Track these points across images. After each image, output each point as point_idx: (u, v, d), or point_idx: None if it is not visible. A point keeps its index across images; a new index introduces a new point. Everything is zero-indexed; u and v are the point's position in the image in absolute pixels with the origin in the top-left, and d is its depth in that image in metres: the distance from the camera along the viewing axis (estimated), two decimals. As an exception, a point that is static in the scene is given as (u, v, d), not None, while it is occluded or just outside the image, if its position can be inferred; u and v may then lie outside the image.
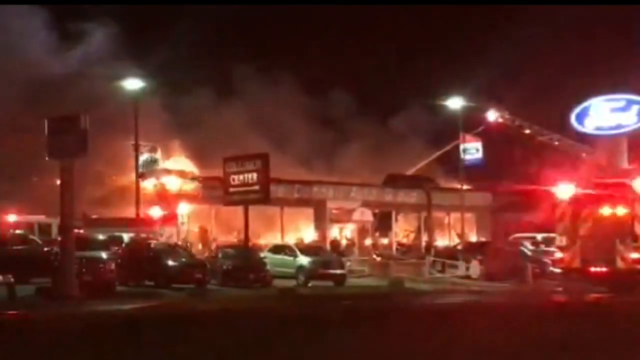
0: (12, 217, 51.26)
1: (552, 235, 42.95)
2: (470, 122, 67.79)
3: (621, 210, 36.36)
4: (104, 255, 37.65)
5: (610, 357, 15.36)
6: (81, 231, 42.65)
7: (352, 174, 71.13)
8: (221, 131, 64.46)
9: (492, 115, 70.02)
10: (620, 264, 35.55)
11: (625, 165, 55.19)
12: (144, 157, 56.30)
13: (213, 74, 69.08)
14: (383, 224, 70.62)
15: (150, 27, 66.21)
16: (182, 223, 58.42)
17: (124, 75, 52.96)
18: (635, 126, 58.65)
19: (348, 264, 49.74)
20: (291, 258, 45.83)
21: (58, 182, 36.65)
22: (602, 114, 58.66)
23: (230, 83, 70.23)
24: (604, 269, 35.74)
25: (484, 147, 69.18)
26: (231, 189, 45.80)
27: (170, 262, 40.29)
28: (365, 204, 67.62)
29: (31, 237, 42.27)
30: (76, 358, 15.31)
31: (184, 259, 41.91)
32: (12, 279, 33.05)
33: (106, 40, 63.96)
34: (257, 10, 76.48)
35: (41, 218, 49.93)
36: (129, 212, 51.76)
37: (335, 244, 63.00)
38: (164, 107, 62.34)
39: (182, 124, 65.36)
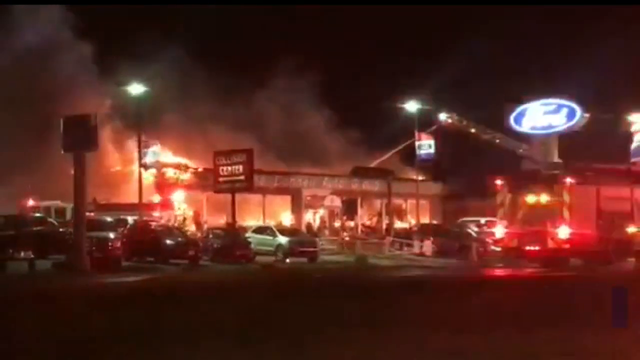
0: (31, 202, 51.26)
1: (493, 219, 43.19)
2: (425, 122, 68.14)
3: (552, 198, 36.64)
4: (111, 235, 37.45)
5: (535, 314, 15.68)
6: (92, 214, 42.49)
7: (323, 166, 71.23)
8: (213, 129, 64.25)
9: (443, 117, 70.40)
10: (550, 243, 35.84)
11: (555, 159, 55.93)
12: (146, 150, 56.12)
13: (210, 81, 68.29)
14: (350, 209, 70.82)
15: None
16: (178, 208, 58.47)
17: (129, 80, 52.73)
18: (565, 126, 59.35)
19: (320, 243, 49.88)
20: (271, 238, 45.87)
21: (72, 172, 36.51)
22: (536, 115, 59.41)
23: (223, 88, 69.61)
24: (537, 248, 36.04)
25: (436, 143, 69.41)
26: (220, 179, 45.72)
27: (168, 241, 40.14)
28: (335, 192, 67.91)
29: (48, 219, 42.07)
30: (99, 319, 15.38)
31: (179, 239, 41.78)
32: (32, 255, 33.19)
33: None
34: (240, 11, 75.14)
35: (57, 203, 49.74)
36: (133, 198, 51.69)
37: (309, 226, 63.23)
38: (164, 107, 61.78)
39: (179, 122, 64.94)
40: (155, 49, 60.21)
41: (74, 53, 63.24)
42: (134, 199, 51.11)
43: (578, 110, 59.69)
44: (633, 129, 65.24)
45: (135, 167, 54.39)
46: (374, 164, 74.77)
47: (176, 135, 63.47)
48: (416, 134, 66.50)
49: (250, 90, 71.58)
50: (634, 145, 64.49)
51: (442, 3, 78.37)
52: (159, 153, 60.41)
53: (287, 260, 43.12)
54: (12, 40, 60.32)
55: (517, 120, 60.99)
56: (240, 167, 44.49)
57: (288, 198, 66.77)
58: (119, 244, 36.45)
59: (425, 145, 68.56)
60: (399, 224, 68.73)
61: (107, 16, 65.30)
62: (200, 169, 59.46)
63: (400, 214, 73.11)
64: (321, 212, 69.18)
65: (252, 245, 43.50)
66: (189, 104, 66.70)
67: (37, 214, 44.66)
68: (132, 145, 55.18)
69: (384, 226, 68.03)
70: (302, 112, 75.20)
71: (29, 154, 52.77)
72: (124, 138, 56.98)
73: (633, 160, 59.94)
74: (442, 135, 69.89)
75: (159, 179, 59.30)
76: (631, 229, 36.94)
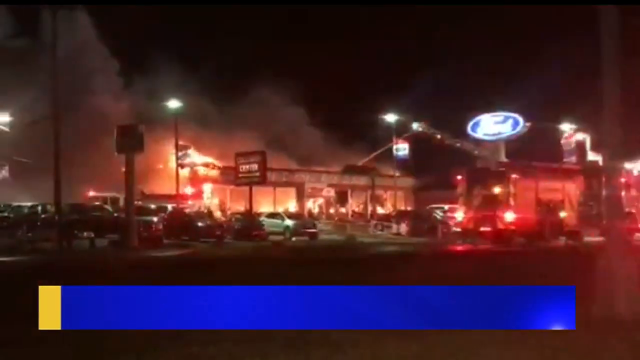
0: (92, 193, 51.36)
1: (454, 206, 43.27)
2: (402, 130, 68.32)
3: (500, 190, 36.68)
4: (154, 219, 37.53)
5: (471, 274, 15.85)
6: (139, 203, 42.61)
7: (321, 165, 71.36)
8: (234, 134, 64.27)
9: (415, 125, 70.50)
10: (499, 225, 35.83)
11: (503, 159, 56.07)
12: (181, 153, 56.23)
13: (230, 93, 68.19)
14: (342, 198, 71.11)
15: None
16: (207, 198, 58.61)
17: (168, 96, 52.93)
18: (510, 133, 59.50)
19: (319, 225, 50.00)
20: (280, 221, 45.91)
21: (123, 169, 36.64)
22: (488, 125, 59.55)
23: (241, 100, 69.50)
24: (488, 229, 35.97)
25: (410, 147, 69.61)
26: (240, 175, 45.82)
27: (199, 224, 40.17)
28: (330, 185, 68.18)
29: (105, 206, 42.18)
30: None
31: (208, 222, 41.84)
32: (92, 235, 33.31)
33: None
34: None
35: (112, 194, 49.87)
36: (171, 190, 51.85)
37: (310, 212, 63.39)
38: (195, 118, 61.77)
39: (208, 129, 64.99)
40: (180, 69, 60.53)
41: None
42: (172, 191, 51.34)
43: (521, 121, 59.85)
44: (564, 135, 65.55)
45: (173, 165, 54.57)
46: (361, 163, 74.94)
47: (204, 138, 63.54)
48: (394, 139, 66.80)
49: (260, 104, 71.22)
50: (565, 148, 64.77)
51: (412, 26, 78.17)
52: (192, 154, 60.64)
53: (293, 239, 43.16)
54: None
55: (473, 128, 61.20)
56: (256, 166, 44.59)
57: (293, 190, 67.02)
58: (160, 226, 36.52)
59: (402, 148, 68.87)
60: (380, 210, 68.95)
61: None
62: (221, 166, 59.53)
63: (382, 202, 73.32)
64: (320, 201, 69.46)
65: (265, 227, 43.58)
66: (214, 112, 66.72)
67: (96, 203, 44.82)
68: (170, 147, 55.24)
69: (369, 212, 68.24)
70: (304, 125, 75.24)
71: (90, 155, 52.76)
72: (165, 142, 56.97)
73: (564, 160, 60.19)
74: (415, 140, 70.14)
75: (191, 175, 59.48)
76: (562, 214, 37.07)
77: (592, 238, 34.41)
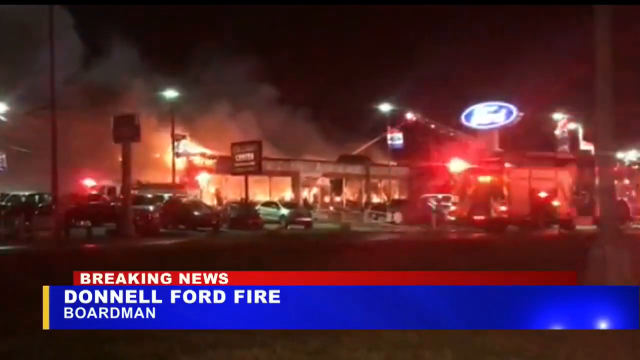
0: (89, 182, 51.25)
1: (449, 195, 43.30)
2: (397, 119, 68.41)
3: (494, 179, 36.75)
4: (151, 208, 37.59)
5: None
6: (136, 192, 42.56)
7: (316, 154, 71.34)
8: (230, 125, 64.24)
9: (409, 115, 70.50)
10: (493, 214, 35.92)
11: (497, 148, 56.00)
12: (178, 143, 56.14)
13: (227, 87, 68.05)
14: (337, 187, 71.06)
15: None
16: (203, 187, 58.54)
17: (164, 87, 52.82)
18: (503, 123, 59.42)
19: (314, 214, 49.96)
20: (276, 210, 45.92)
21: (120, 158, 36.59)
22: (481, 114, 59.40)
23: (237, 96, 69.45)
24: (482, 218, 36.07)
25: (405, 136, 69.60)
26: (236, 164, 45.76)
27: (196, 213, 39.99)
28: (325, 174, 68.12)
29: (102, 195, 42.12)
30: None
31: (204, 210, 41.69)
32: (89, 224, 33.28)
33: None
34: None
35: (109, 183, 49.77)
36: (168, 179, 51.80)
37: (305, 201, 63.36)
38: (192, 107, 61.62)
39: (204, 119, 64.88)
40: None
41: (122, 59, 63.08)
42: (168, 180, 51.28)
43: (514, 110, 59.74)
44: (557, 125, 65.64)
45: (169, 154, 54.48)
46: (356, 152, 74.96)
47: (201, 128, 63.42)
48: (389, 128, 66.78)
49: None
50: (558, 138, 64.87)
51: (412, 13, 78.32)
52: (188, 144, 60.54)
53: (288, 227, 43.11)
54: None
55: (467, 118, 61.02)
56: (252, 155, 44.52)
57: (289, 179, 66.96)
58: (157, 215, 36.48)
59: (396, 138, 68.81)
60: (375, 199, 69.00)
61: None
62: (217, 155, 59.46)
63: (376, 191, 73.37)
64: (315, 190, 69.41)
65: (261, 216, 43.55)
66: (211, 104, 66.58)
67: (93, 192, 44.76)
68: (167, 137, 55.14)
69: (363, 201, 68.29)
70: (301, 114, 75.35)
71: (88, 144, 52.65)
72: (161, 131, 56.81)
73: (557, 149, 60.28)
74: (409, 129, 70.12)
75: (188, 164, 59.40)
76: (555, 203, 37.15)
77: (585, 226, 34.54)
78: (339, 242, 26.76)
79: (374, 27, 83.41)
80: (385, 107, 65.09)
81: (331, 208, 59.33)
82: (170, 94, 52.39)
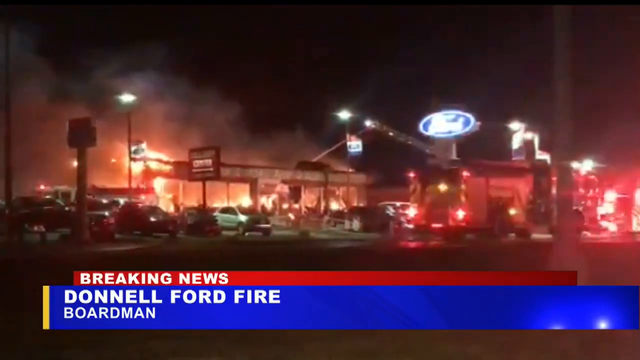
0: (42, 187, 50.52)
1: (406, 203, 43.47)
2: (355, 127, 68.75)
3: (452, 187, 36.91)
4: (106, 213, 37.09)
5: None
6: (91, 197, 42.04)
7: (275, 160, 71.31)
8: (187, 130, 63.90)
9: (368, 123, 70.89)
10: (451, 222, 36.05)
11: (453, 157, 56.44)
12: (134, 147, 55.61)
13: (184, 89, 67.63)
14: (295, 194, 71.02)
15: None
16: (159, 193, 58.08)
17: (122, 90, 52.31)
18: (461, 132, 60.04)
19: (272, 221, 49.86)
20: (234, 216, 45.68)
21: (75, 163, 36.06)
22: (439, 123, 59.94)
23: (191, 99, 69.02)
24: (440, 225, 36.18)
25: (363, 144, 69.93)
26: (194, 170, 45.59)
27: (152, 218, 39.66)
28: (284, 181, 68.13)
29: (57, 200, 41.54)
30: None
31: (160, 216, 41.38)
32: (43, 229, 32.69)
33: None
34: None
35: (63, 187, 49.15)
36: (123, 184, 51.28)
37: (263, 207, 63.27)
38: (148, 112, 61.12)
39: (161, 125, 64.39)
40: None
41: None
42: (124, 185, 50.79)
43: (472, 119, 60.44)
44: (513, 134, 66.50)
45: (125, 160, 53.91)
46: (314, 159, 75.09)
47: (158, 134, 62.95)
48: (347, 136, 67.05)
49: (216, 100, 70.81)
50: (514, 147, 65.70)
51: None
52: (145, 149, 60.05)
53: (246, 234, 43.03)
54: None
55: (425, 126, 61.57)
56: (210, 161, 44.40)
57: (247, 185, 66.78)
58: (112, 221, 35.99)
59: (355, 145, 69.13)
60: (334, 206, 69.16)
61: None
62: (172, 161, 59.07)
63: (335, 198, 73.54)
64: (273, 196, 69.31)
65: (219, 222, 43.31)
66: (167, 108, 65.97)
67: (47, 196, 44.10)
68: (123, 141, 54.57)
69: (322, 208, 68.39)
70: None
71: (41, 148, 51.95)
72: (116, 136, 56.21)
73: (513, 158, 61.00)
74: (367, 137, 70.47)
75: (144, 169, 58.91)
76: (512, 211, 37.54)
77: (540, 235, 34.96)
78: (298, 249, 26.74)
79: (332, 32, 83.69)
80: (344, 115, 65.33)
81: (290, 215, 59.27)
82: (127, 97, 51.86)
